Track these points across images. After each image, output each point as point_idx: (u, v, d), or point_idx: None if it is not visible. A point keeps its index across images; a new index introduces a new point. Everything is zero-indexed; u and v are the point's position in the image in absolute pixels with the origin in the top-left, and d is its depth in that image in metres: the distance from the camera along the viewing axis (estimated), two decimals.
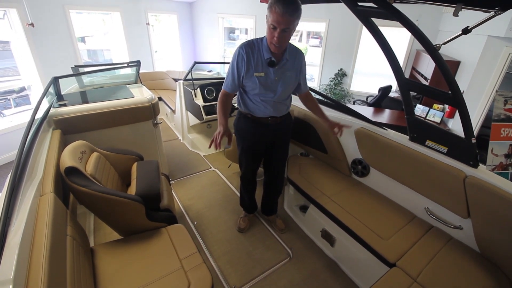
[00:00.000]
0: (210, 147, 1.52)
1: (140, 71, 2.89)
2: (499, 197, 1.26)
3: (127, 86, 2.47)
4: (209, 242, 1.95)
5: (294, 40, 8.29)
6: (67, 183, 1.24)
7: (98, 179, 1.40)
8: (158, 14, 6.88)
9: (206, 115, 2.80)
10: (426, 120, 4.27)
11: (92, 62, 6.25)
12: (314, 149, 2.39)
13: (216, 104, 2.89)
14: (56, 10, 4.57)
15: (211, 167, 2.86)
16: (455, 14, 1.24)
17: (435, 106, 4.42)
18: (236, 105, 1.76)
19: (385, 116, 4.59)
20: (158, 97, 2.68)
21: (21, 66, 4.20)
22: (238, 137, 1.82)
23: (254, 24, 6.81)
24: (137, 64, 2.54)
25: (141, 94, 2.29)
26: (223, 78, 3.34)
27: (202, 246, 1.92)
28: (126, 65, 2.53)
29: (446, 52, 4.66)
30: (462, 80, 4.02)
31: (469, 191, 1.39)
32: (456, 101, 1.39)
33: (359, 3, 1.47)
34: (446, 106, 4.30)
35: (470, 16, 1.25)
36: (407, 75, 5.94)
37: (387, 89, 5.13)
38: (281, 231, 2.08)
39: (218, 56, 7.84)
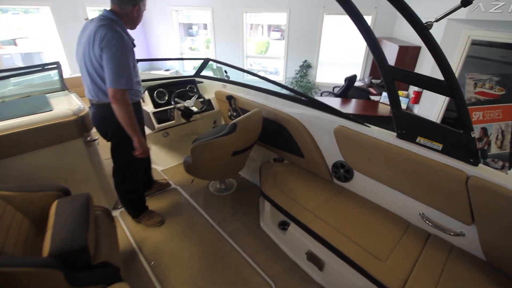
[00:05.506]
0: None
1: (76, 75, 2.34)
2: (509, 199, 1.06)
3: (48, 95, 1.92)
4: (172, 287, 1.55)
5: (255, 34, 7.95)
6: None
7: None
8: (98, 8, 6.04)
9: (158, 123, 2.34)
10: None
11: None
12: (289, 153, 2.10)
13: (169, 109, 2.44)
14: None
15: (171, 185, 2.42)
16: None
17: (400, 92, 4.41)
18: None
19: (353, 106, 4.49)
20: None
21: None
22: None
23: (212, 17, 6.31)
24: (57, 66, 1.98)
25: (67, 104, 1.78)
26: (178, 77, 2.89)
27: None
28: (40, 68, 1.97)
29: (405, 37, 4.68)
30: (424, 65, 4.03)
31: (473, 194, 1.18)
32: (451, 90, 1.17)
33: None
34: (411, 92, 4.31)
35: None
36: (369, 65, 5.98)
37: (353, 79, 5.06)
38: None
39: (176, 54, 7.22)
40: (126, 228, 1.92)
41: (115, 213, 2.05)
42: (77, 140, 1.70)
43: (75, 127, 1.65)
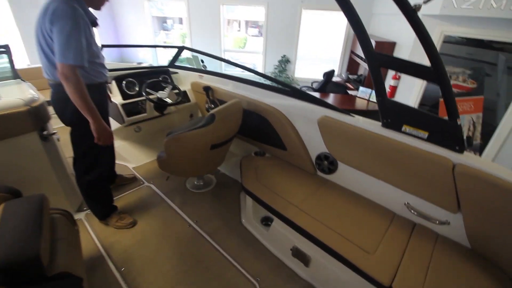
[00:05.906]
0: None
1: (35, 65, 2.07)
2: (496, 186, 1.05)
3: None
4: None
5: (232, 30, 7.78)
6: None
7: None
8: None
9: (128, 115, 2.13)
10: (372, 101, 4.31)
11: None
12: (271, 146, 2.01)
13: (140, 101, 2.25)
14: None
15: (144, 183, 2.24)
16: None
17: None
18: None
19: (331, 100, 4.52)
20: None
21: None
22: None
23: (187, 10, 6.04)
24: (5, 50, 1.71)
25: (19, 94, 1.55)
26: (149, 67, 2.69)
27: None
28: None
29: (380, 34, 4.78)
30: None
31: (460, 182, 1.17)
32: (438, 77, 1.13)
33: None
34: (387, 86, 4.41)
35: None
36: (346, 61, 6.06)
37: (331, 73, 5.10)
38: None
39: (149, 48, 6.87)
40: (92, 232, 1.73)
41: (80, 216, 1.83)
42: (31, 134, 1.48)
43: (27, 119, 1.43)
